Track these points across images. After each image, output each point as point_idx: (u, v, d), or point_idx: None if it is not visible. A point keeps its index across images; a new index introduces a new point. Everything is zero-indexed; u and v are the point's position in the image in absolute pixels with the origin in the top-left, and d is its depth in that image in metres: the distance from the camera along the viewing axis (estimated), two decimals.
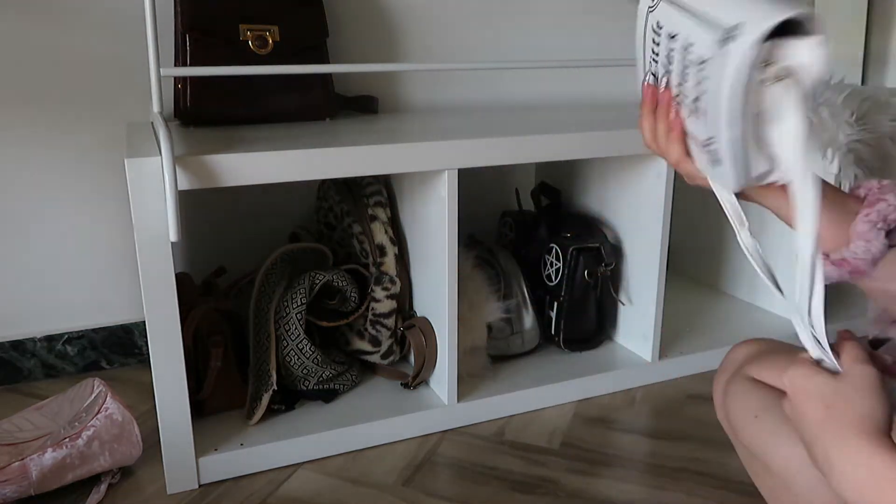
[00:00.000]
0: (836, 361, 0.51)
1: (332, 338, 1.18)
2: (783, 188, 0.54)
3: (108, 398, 0.94)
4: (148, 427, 1.03)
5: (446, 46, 1.40)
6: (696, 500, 0.91)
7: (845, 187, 1.21)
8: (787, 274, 0.53)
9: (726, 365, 0.67)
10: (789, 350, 0.58)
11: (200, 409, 1.03)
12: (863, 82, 1.62)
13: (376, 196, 1.11)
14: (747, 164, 0.51)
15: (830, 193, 0.56)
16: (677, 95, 0.55)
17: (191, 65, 1.09)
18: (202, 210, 1.27)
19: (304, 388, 1.07)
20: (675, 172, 1.17)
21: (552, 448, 1.03)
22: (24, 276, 1.21)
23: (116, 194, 1.22)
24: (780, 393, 0.54)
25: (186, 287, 1.09)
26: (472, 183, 1.46)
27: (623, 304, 1.27)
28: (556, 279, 1.22)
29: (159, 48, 0.98)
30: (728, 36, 0.46)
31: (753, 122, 0.49)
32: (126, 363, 1.28)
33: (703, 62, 0.49)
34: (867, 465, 0.47)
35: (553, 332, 1.24)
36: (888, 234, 0.54)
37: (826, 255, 0.56)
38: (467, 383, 1.12)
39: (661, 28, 0.54)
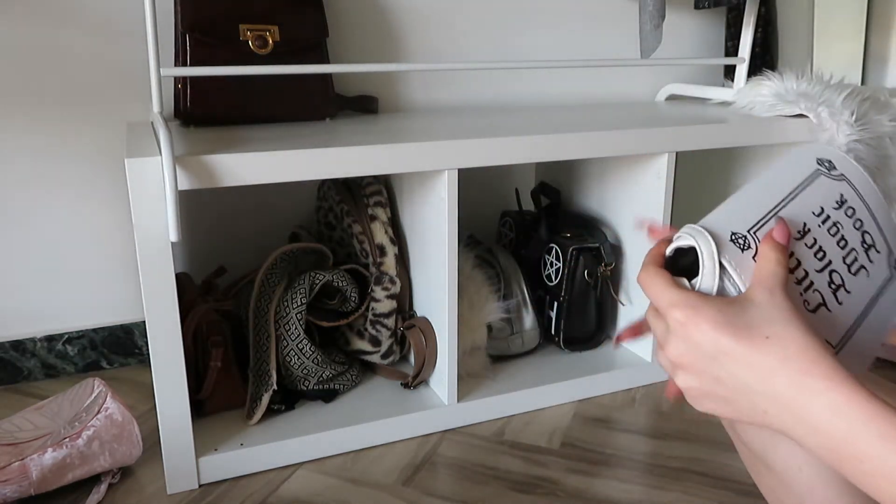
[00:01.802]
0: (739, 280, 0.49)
1: (332, 338, 1.18)
2: None
3: (108, 398, 0.94)
4: (148, 427, 1.03)
5: (446, 46, 1.40)
6: (696, 500, 0.91)
7: None
8: None
9: None
10: None
11: (200, 409, 1.03)
12: (862, 82, 1.62)
13: (376, 196, 1.11)
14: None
15: None
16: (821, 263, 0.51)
17: (191, 65, 1.09)
18: (202, 210, 1.27)
19: (304, 388, 1.07)
20: (675, 172, 1.18)
21: (552, 448, 1.03)
22: (24, 275, 1.21)
23: (116, 194, 1.22)
24: None
25: (186, 287, 1.09)
26: (472, 183, 1.46)
27: (623, 304, 1.27)
28: (555, 279, 1.22)
29: (159, 48, 0.98)
30: None
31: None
32: (126, 363, 1.28)
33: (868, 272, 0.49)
34: (846, 412, 0.42)
35: (553, 332, 1.24)
36: None
37: None
38: (467, 383, 1.12)
39: (843, 203, 0.52)
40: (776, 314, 0.47)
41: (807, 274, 0.49)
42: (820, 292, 0.49)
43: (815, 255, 0.50)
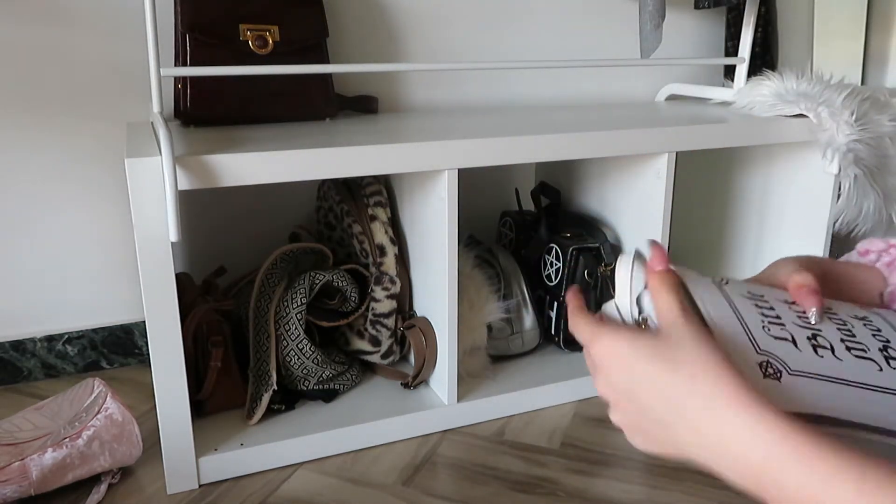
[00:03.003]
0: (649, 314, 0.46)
1: (332, 338, 1.18)
2: None
3: (108, 398, 0.94)
4: (148, 427, 1.03)
5: (446, 46, 1.40)
6: (696, 500, 0.91)
7: (844, 187, 1.21)
8: None
9: None
10: None
11: (200, 409, 1.03)
12: (862, 82, 1.62)
13: (376, 196, 1.11)
14: None
15: None
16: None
17: (191, 65, 1.09)
18: (202, 210, 1.27)
19: (304, 388, 1.07)
20: (675, 172, 1.18)
21: (552, 448, 1.03)
22: (24, 275, 1.21)
23: (116, 194, 1.22)
24: None
25: (186, 287, 1.09)
26: (472, 183, 1.46)
27: None
28: (556, 279, 1.22)
29: (159, 48, 0.98)
30: None
31: None
32: (126, 363, 1.28)
33: None
34: (761, 435, 0.39)
35: (553, 332, 1.24)
36: None
37: None
38: (467, 383, 1.12)
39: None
40: (683, 339, 0.44)
41: (778, 316, 0.48)
42: (790, 332, 0.47)
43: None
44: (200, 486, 0.93)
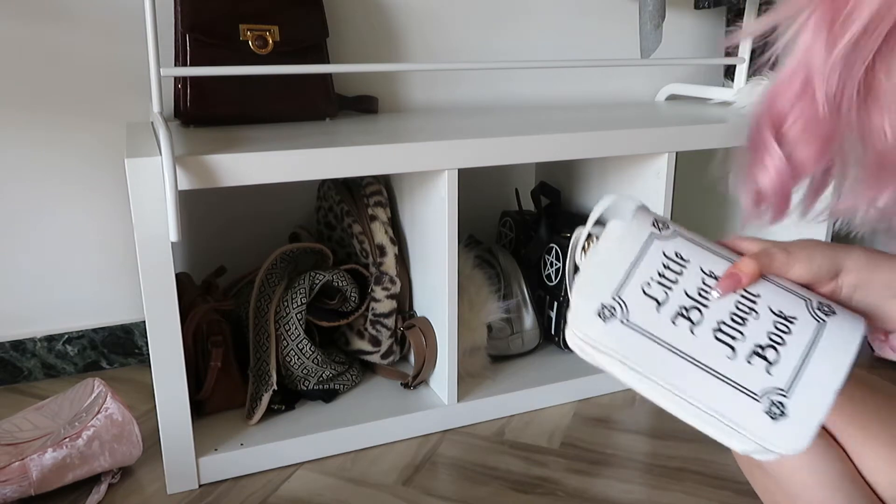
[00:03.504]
0: None
1: (332, 338, 1.18)
2: None
3: (108, 398, 0.94)
4: (148, 427, 1.03)
5: (446, 46, 1.40)
6: (696, 500, 0.91)
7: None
8: None
9: None
10: None
11: (200, 409, 1.03)
12: None
13: (376, 196, 1.10)
14: None
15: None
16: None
17: (191, 65, 1.09)
18: (202, 210, 1.27)
19: (304, 388, 1.07)
20: (675, 172, 1.18)
21: (552, 448, 1.03)
22: (24, 276, 1.21)
23: (116, 194, 1.22)
24: None
25: (186, 287, 1.09)
26: (472, 183, 1.46)
27: None
28: (555, 279, 1.22)
29: (159, 48, 0.98)
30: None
31: None
32: (126, 363, 1.28)
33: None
34: None
35: (553, 332, 1.24)
36: None
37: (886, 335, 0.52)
38: (467, 383, 1.12)
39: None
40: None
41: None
42: (667, 296, 0.48)
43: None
44: (200, 486, 0.93)
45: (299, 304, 1.04)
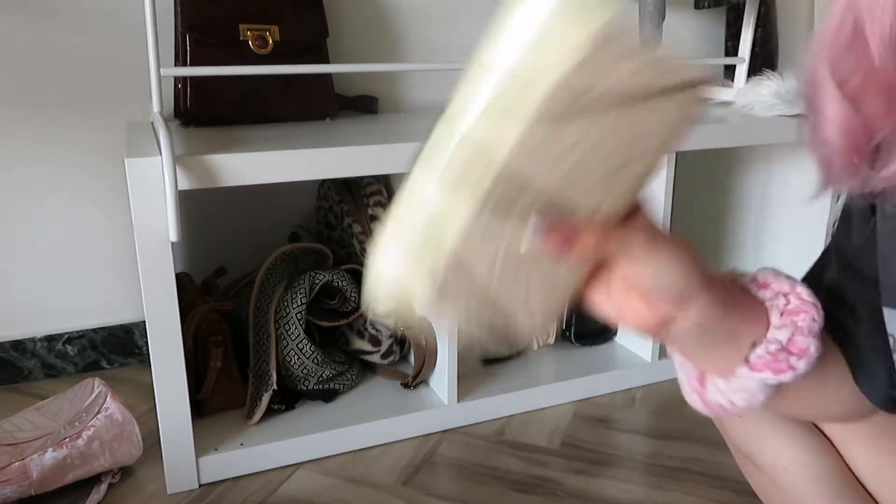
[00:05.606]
0: None
1: (332, 338, 1.18)
2: None
3: (108, 398, 0.94)
4: (148, 427, 1.03)
5: (447, 46, 1.40)
6: (696, 500, 0.91)
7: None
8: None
9: None
10: None
11: (200, 409, 1.03)
12: None
13: (376, 196, 1.10)
14: None
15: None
16: None
17: (191, 65, 1.09)
18: (202, 210, 1.27)
19: (304, 388, 1.07)
20: (675, 172, 1.18)
21: (552, 448, 1.03)
22: (23, 275, 1.21)
23: (116, 194, 1.22)
24: None
25: (186, 287, 1.09)
26: None
27: None
28: None
29: (159, 48, 0.98)
30: None
31: None
32: (126, 363, 1.28)
33: None
34: None
35: (564, 327, 1.27)
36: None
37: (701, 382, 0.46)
38: (467, 383, 1.12)
39: None
40: None
41: None
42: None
43: None
44: (200, 486, 0.93)
45: (299, 304, 1.04)
